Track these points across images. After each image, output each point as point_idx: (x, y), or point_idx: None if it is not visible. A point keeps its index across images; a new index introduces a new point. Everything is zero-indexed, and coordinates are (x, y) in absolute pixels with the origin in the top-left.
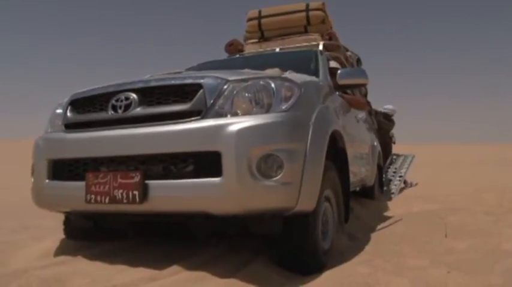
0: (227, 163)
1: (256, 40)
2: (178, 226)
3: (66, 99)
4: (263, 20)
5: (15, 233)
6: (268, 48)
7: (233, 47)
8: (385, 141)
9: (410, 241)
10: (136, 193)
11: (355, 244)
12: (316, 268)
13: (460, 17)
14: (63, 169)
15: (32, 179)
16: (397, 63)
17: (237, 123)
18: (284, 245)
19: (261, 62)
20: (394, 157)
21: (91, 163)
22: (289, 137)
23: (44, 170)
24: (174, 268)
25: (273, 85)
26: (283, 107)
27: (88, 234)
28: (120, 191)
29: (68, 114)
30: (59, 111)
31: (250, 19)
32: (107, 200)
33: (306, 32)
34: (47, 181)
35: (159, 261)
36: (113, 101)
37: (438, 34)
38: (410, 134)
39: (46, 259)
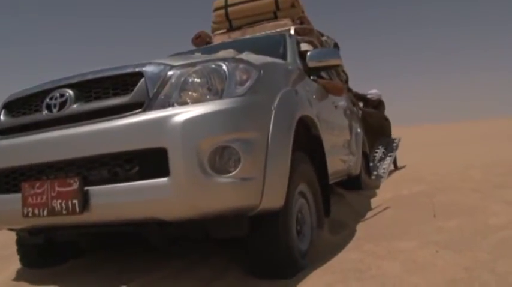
0: (174, 159)
1: (225, 30)
2: (135, 236)
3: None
4: (230, 9)
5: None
6: (238, 38)
7: (200, 40)
8: (382, 123)
9: (400, 224)
10: (75, 201)
11: (345, 231)
12: (294, 273)
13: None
14: (0, 181)
15: None
16: (379, 46)
17: (183, 114)
18: (254, 249)
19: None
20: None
21: (27, 172)
22: (246, 125)
23: None
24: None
25: (224, 67)
26: (238, 91)
27: (44, 255)
28: (59, 201)
29: (2, 118)
30: None
31: (216, 9)
32: (45, 212)
33: (275, 18)
34: None
35: (113, 278)
36: (47, 100)
37: (418, 12)
38: (398, 116)
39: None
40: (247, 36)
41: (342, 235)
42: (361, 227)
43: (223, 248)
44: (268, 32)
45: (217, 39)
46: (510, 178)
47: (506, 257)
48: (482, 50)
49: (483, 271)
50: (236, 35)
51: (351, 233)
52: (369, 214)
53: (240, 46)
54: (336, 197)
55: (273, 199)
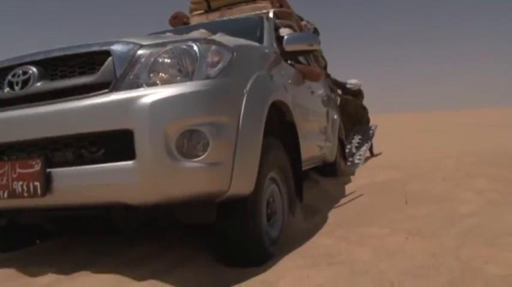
0: (140, 142)
1: (202, 11)
2: (102, 220)
3: None
4: None
5: None
6: (215, 19)
7: (178, 20)
8: (358, 111)
9: (373, 210)
10: (37, 184)
11: (318, 216)
12: (263, 260)
13: None
14: None
15: None
16: (359, 33)
17: (151, 95)
18: (222, 236)
19: None
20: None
21: None
22: (216, 109)
23: None
24: (95, 269)
25: (196, 48)
26: (209, 73)
27: (8, 238)
28: (20, 183)
29: None
30: None
31: None
32: (5, 194)
33: (255, 0)
34: None
35: (79, 261)
36: (10, 77)
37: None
38: (380, 104)
39: None
40: (224, 18)
41: (315, 220)
42: (334, 213)
43: (195, 234)
44: (247, 14)
45: (194, 20)
46: (481, 167)
47: (471, 243)
48: (484, 36)
49: (449, 257)
50: (214, 17)
51: (324, 219)
52: (343, 200)
53: (216, 28)
54: (311, 183)
55: (242, 185)
